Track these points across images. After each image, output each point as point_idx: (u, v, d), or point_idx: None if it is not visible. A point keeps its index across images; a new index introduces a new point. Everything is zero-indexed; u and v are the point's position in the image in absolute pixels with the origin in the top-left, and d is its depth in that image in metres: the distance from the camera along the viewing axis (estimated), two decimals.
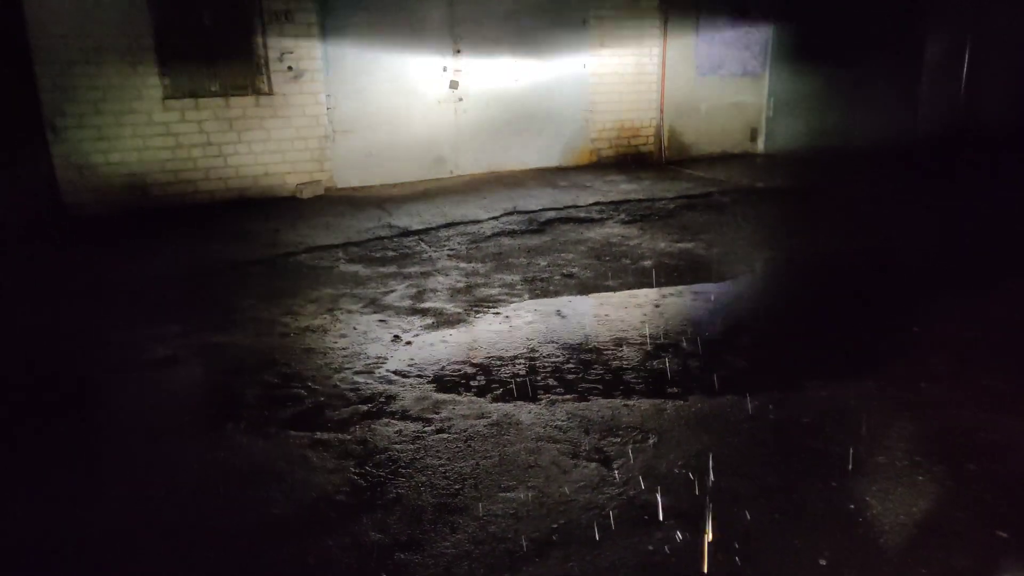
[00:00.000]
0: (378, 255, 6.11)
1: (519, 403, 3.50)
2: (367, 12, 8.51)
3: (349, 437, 3.23)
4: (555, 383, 3.70)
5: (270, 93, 8.15)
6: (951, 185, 8.23)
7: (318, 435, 3.25)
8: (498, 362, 3.99)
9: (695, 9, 10.37)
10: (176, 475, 2.97)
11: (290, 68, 8.16)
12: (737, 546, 2.44)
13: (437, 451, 3.09)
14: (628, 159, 10.49)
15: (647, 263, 5.72)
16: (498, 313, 4.75)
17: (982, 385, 3.55)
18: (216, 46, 7.77)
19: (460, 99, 9.31)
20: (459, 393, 3.63)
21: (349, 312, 4.80)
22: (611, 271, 5.54)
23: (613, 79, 10.21)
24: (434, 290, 5.18)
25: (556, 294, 5.08)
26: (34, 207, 7.12)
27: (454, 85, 9.21)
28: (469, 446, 3.13)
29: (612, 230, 6.79)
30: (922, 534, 2.47)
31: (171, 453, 3.14)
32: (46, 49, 7.04)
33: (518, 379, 3.76)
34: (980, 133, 8.73)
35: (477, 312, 4.76)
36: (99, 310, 4.96)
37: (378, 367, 3.95)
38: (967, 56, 8.89)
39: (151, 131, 7.67)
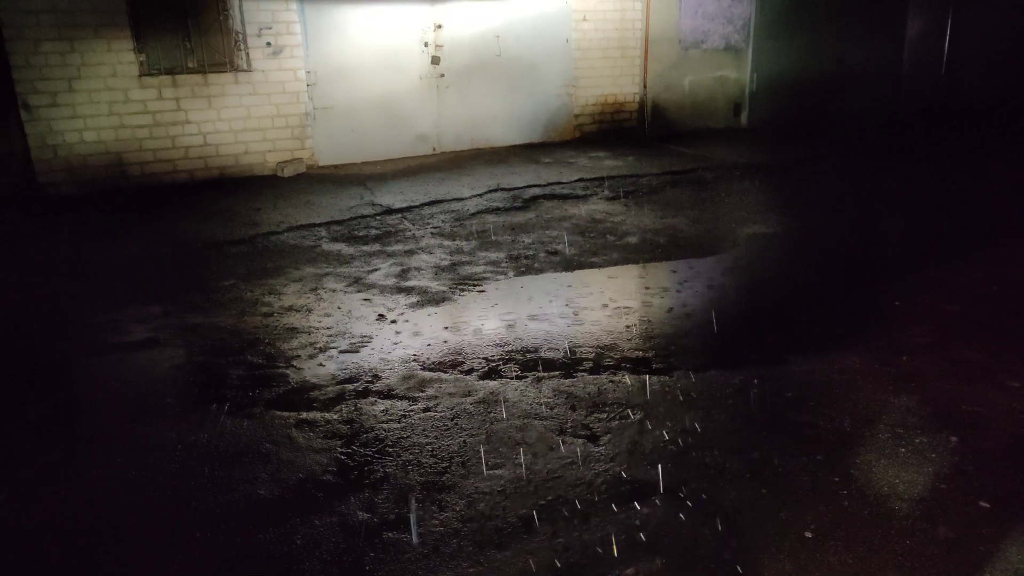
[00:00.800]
0: (361, 233, 6.06)
1: (505, 380, 3.49)
2: None
3: (335, 417, 3.21)
4: (541, 360, 3.70)
5: (249, 70, 8.01)
6: (932, 158, 8.27)
7: (304, 415, 3.23)
8: (484, 340, 3.98)
9: None
10: (160, 457, 2.94)
11: (269, 44, 8.02)
12: (724, 520, 2.46)
13: (424, 429, 3.09)
14: (612, 135, 10.45)
15: (632, 239, 5.71)
16: (483, 291, 4.73)
17: (963, 358, 3.58)
18: (192, 21, 7.61)
19: (442, 75, 9.20)
20: (445, 371, 3.62)
21: (333, 291, 4.76)
22: (596, 247, 5.53)
23: (596, 54, 10.13)
24: (418, 268, 5.15)
25: (541, 271, 5.07)
26: (8, 187, 6.98)
27: (436, 61, 9.10)
28: (456, 424, 3.12)
29: (596, 207, 6.77)
30: (906, 505, 2.50)
31: (154, 435, 3.11)
32: (17, 26, 6.86)
33: (504, 356, 3.75)
34: (961, 106, 8.77)
35: (462, 290, 4.74)
36: (77, 291, 4.88)
37: (363, 346, 3.93)
38: (948, 31, 8.90)
39: (127, 109, 7.52)
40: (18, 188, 7.08)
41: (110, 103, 7.43)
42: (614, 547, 2.35)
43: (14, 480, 2.83)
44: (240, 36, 7.89)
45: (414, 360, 3.75)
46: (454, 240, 5.80)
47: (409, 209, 6.78)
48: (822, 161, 8.58)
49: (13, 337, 4.23)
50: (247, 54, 7.96)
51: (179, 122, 7.79)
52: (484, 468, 2.80)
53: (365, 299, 4.61)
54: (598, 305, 4.43)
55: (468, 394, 3.38)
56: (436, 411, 3.23)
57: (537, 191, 7.34)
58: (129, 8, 7.27)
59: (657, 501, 2.56)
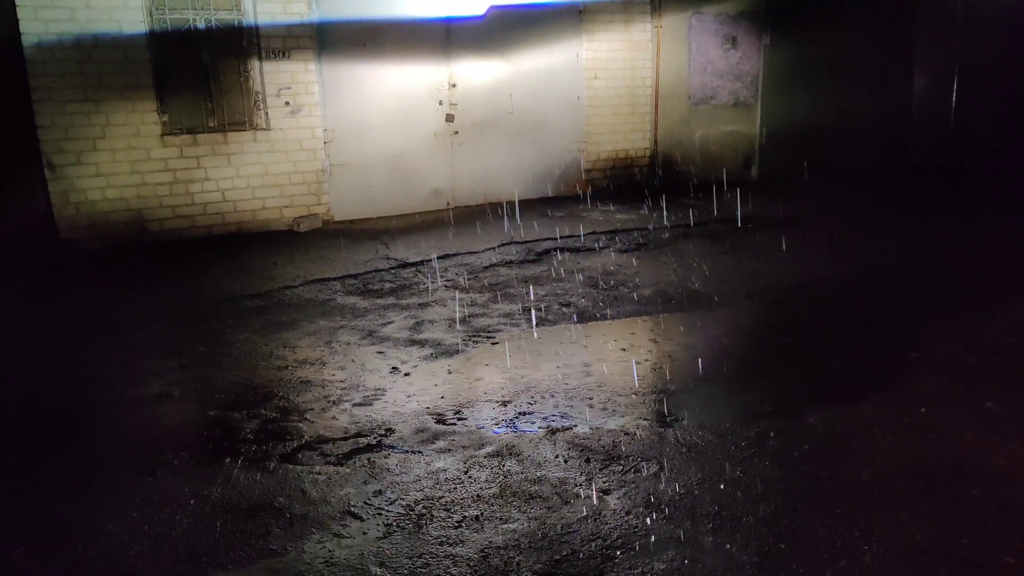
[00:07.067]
0: (376, 287, 6.11)
1: (519, 433, 3.47)
2: (364, 47, 8.62)
3: (348, 471, 3.20)
4: (555, 412, 3.68)
5: (267, 128, 8.21)
6: (943, 209, 8.28)
7: (317, 469, 3.22)
8: (497, 392, 3.97)
9: (687, 40, 10.53)
10: (173, 511, 2.93)
11: (287, 103, 8.24)
12: (741, 575, 2.41)
13: (437, 482, 3.07)
14: (623, 188, 10.56)
15: (644, 292, 5.72)
16: (496, 343, 4.74)
17: (983, 409, 3.54)
18: (214, 83, 7.85)
19: (456, 132, 9.39)
20: (458, 423, 3.60)
21: (347, 344, 4.78)
22: (608, 300, 5.55)
23: (607, 110, 10.32)
24: (432, 321, 5.18)
25: (554, 323, 5.08)
26: (31, 242, 7.13)
27: (450, 118, 9.29)
28: (469, 476, 3.10)
29: (609, 259, 6.81)
30: (928, 561, 2.45)
31: (168, 489, 3.10)
32: (45, 88, 7.10)
33: (517, 409, 3.74)
34: (971, 156, 8.82)
35: (475, 342, 4.75)
36: (95, 345, 4.93)
37: (376, 399, 3.93)
38: (956, 83, 9.01)
39: (149, 167, 7.70)
40: (41, 244, 7.22)
41: (132, 162, 7.61)
42: None
43: (32, 534, 2.82)
44: (260, 96, 8.11)
45: (427, 412, 3.74)
46: (468, 293, 5.84)
47: (423, 262, 6.84)
48: (833, 213, 8.61)
49: (32, 390, 4.26)
50: (266, 113, 8.17)
51: (198, 179, 7.96)
52: (498, 522, 2.77)
53: (379, 352, 4.63)
54: (611, 357, 4.43)
55: (481, 446, 3.36)
56: (449, 464, 3.21)
57: (550, 244, 7.40)
58: (153, 70, 7.51)
59: (674, 555, 2.52)
